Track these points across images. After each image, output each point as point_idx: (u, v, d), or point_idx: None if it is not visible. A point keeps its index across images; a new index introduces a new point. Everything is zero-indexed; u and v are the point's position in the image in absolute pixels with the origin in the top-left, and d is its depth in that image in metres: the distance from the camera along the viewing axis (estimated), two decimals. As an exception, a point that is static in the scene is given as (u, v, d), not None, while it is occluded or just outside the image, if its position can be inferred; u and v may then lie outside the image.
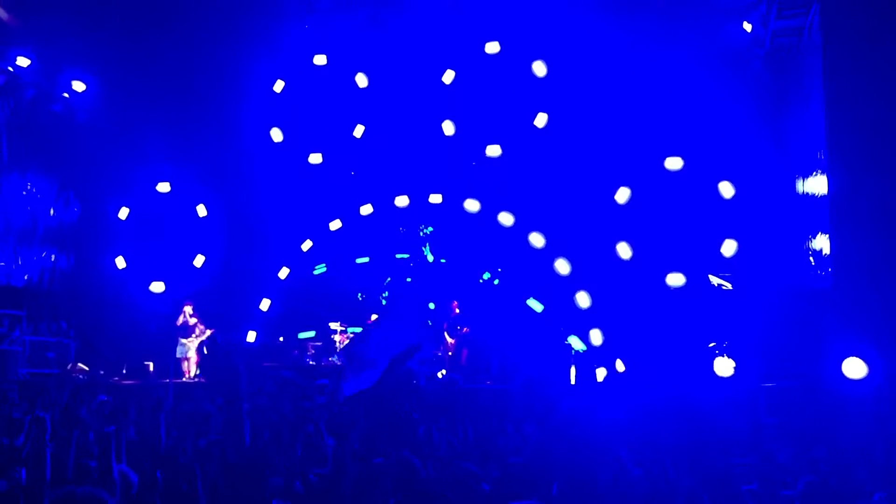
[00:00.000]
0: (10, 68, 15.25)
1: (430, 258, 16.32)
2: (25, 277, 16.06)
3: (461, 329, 14.95)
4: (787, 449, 6.71)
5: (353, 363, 7.22)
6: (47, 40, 15.29)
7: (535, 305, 14.54)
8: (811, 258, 11.71)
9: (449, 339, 14.88)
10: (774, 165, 13.67)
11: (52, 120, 16.43)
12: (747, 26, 13.29)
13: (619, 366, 12.68)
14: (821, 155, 10.77)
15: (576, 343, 13.94)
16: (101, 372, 14.66)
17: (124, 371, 14.96)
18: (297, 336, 15.85)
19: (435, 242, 16.43)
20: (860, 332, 9.51)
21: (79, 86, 16.30)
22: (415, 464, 4.98)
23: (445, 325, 14.98)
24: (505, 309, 15.43)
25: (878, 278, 9.72)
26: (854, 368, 9.28)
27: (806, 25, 11.90)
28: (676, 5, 13.88)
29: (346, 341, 14.98)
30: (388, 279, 16.55)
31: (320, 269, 16.38)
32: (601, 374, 13.27)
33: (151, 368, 14.92)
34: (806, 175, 12.07)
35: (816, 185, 11.17)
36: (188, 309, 15.26)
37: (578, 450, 5.31)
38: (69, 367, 14.49)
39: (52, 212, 16.79)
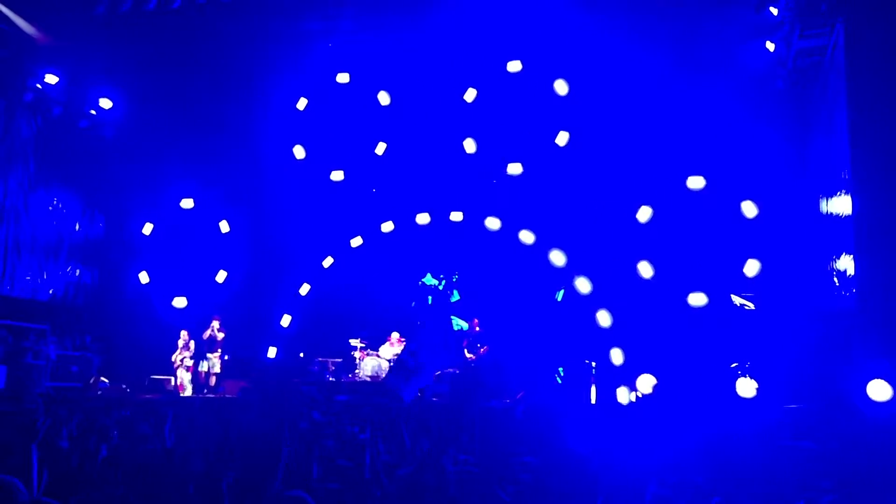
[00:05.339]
0: (39, 85, 15.50)
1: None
2: (50, 292, 16.28)
3: (481, 347, 14.90)
4: (803, 471, 6.60)
5: (410, 372, 7.37)
6: (75, 58, 15.55)
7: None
8: (835, 279, 11.56)
9: (469, 357, 14.83)
10: (798, 185, 13.56)
11: (78, 136, 16.70)
12: (770, 46, 13.24)
13: (641, 385, 12.56)
14: (845, 174, 10.65)
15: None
16: (124, 386, 14.77)
17: (146, 384, 15.05)
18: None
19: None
20: (885, 354, 9.35)
21: (105, 103, 16.55)
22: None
23: (465, 343, 14.95)
24: (525, 328, 15.40)
25: (903, 299, 9.56)
26: (879, 391, 9.14)
27: (829, 45, 11.81)
28: (699, 25, 13.87)
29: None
30: (413, 303, 16.60)
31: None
32: (622, 393, 13.18)
33: (173, 383, 15.01)
34: (830, 195, 11.94)
35: (841, 204, 11.03)
36: (216, 323, 15.33)
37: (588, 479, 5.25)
38: (91, 380, 14.60)
39: (77, 227, 17.03)
